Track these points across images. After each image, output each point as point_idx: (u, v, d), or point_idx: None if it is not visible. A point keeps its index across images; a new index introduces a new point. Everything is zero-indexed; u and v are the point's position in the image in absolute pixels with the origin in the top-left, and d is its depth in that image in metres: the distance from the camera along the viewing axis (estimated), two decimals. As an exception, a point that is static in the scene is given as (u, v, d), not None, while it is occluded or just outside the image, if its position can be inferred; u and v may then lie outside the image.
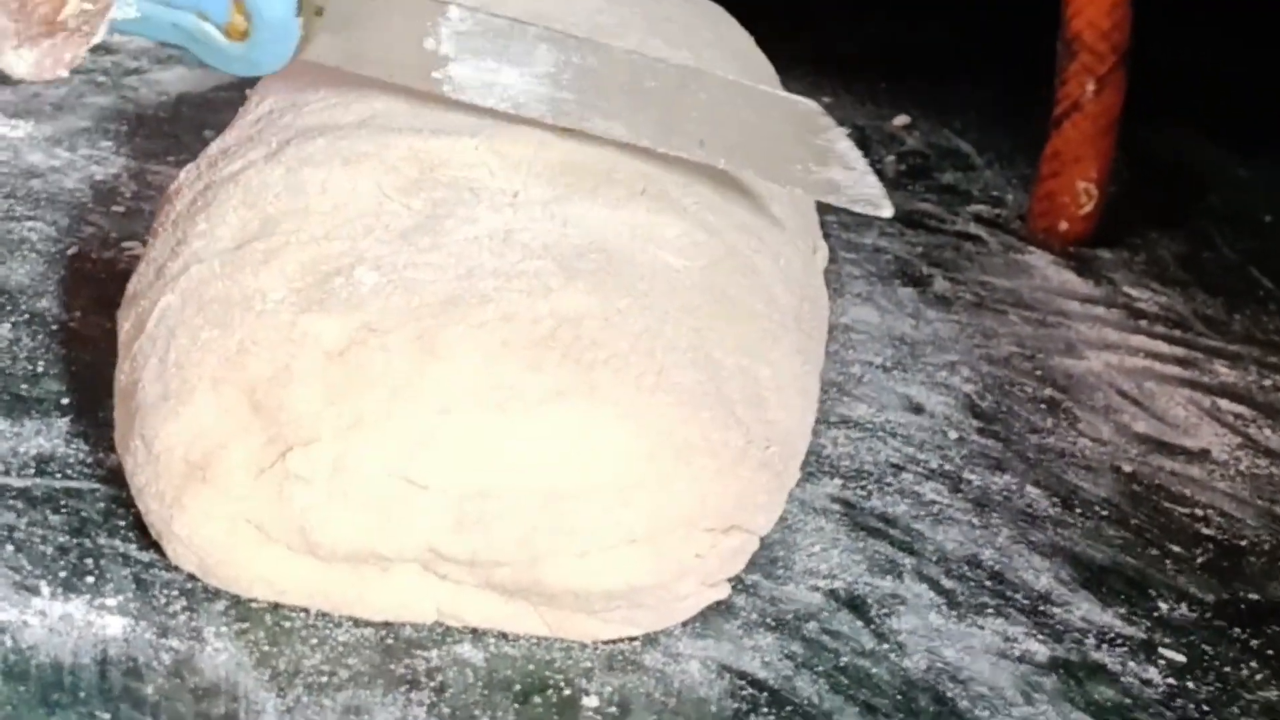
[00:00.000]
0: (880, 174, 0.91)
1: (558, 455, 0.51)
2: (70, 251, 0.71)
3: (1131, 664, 0.56)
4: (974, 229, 0.90)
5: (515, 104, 0.58)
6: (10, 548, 0.53)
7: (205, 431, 0.52)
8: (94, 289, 0.68)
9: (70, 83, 0.86)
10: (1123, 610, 0.59)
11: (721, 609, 0.55)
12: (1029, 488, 0.65)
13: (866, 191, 0.58)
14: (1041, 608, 0.58)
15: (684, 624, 0.54)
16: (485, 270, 0.54)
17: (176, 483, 0.52)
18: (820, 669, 0.53)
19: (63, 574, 0.52)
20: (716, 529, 0.53)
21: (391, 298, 0.53)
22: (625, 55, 0.58)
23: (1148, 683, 0.55)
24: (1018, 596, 0.59)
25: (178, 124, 0.86)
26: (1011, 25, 0.97)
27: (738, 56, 0.75)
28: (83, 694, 0.47)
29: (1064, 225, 0.89)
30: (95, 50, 0.56)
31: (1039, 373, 0.75)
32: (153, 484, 0.52)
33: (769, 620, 0.55)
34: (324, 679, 0.49)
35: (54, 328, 0.65)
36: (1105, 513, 0.65)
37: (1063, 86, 0.87)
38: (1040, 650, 0.56)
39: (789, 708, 0.51)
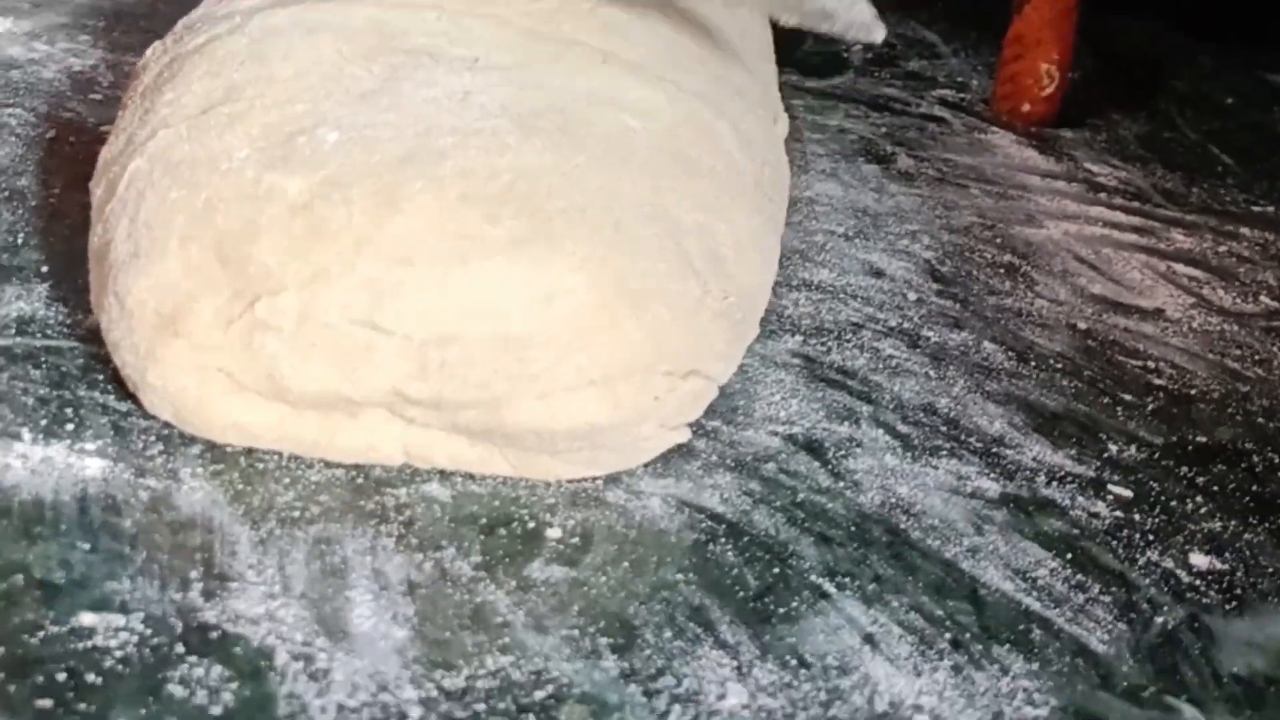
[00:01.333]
0: (846, 62, 0.94)
1: (516, 302, 0.53)
2: (49, 135, 0.73)
3: (1080, 499, 0.58)
4: (938, 111, 0.92)
5: None
6: (-8, 398, 0.55)
7: (175, 286, 0.53)
8: (72, 169, 0.69)
9: (46, -19, 0.87)
10: (1073, 452, 0.61)
11: (682, 451, 0.57)
12: (986, 343, 0.67)
13: (859, 17, 0.59)
14: (994, 450, 0.60)
15: (645, 465, 0.56)
16: (443, 129, 0.56)
17: (149, 336, 0.53)
18: (777, 504, 0.55)
19: (43, 422, 0.54)
20: (674, 374, 0.55)
21: (352, 153, 0.54)
22: None
23: (1095, 515, 0.57)
24: (971, 440, 0.61)
25: (154, 20, 0.87)
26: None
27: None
28: (64, 527, 0.49)
29: (1026, 107, 0.91)
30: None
31: (999, 240, 0.76)
32: (127, 338, 0.54)
33: (728, 461, 0.57)
34: (296, 514, 0.51)
35: (33, 204, 0.67)
36: (1059, 365, 0.66)
37: (1024, -31, 0.89)
38: (991, 487, 0.58)
39: (746, 538, 0.53)
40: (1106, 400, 0.64)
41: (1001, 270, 0.74)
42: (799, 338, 0.65)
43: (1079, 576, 0.54)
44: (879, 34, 0.59)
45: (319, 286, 0.52)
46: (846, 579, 0.52)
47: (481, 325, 0.53)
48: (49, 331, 0.58)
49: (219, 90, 0.58)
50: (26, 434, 0.53)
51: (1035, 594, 0.53)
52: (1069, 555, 0.55)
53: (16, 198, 0.67)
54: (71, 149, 0.72)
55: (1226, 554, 0.56)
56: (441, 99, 0.57)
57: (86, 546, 0.48)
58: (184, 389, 0.53)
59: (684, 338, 0.55)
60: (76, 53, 0.81)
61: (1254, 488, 0.60)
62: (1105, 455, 0.61)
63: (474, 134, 0.56)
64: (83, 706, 0.43)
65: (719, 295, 0.57)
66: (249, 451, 0.54)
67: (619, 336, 0.54)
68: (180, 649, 0.45)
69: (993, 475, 0.59)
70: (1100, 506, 0.58)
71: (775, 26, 0.79)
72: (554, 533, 0.52)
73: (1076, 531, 0.56)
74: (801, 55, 0.95)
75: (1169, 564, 0.55)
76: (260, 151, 0.55)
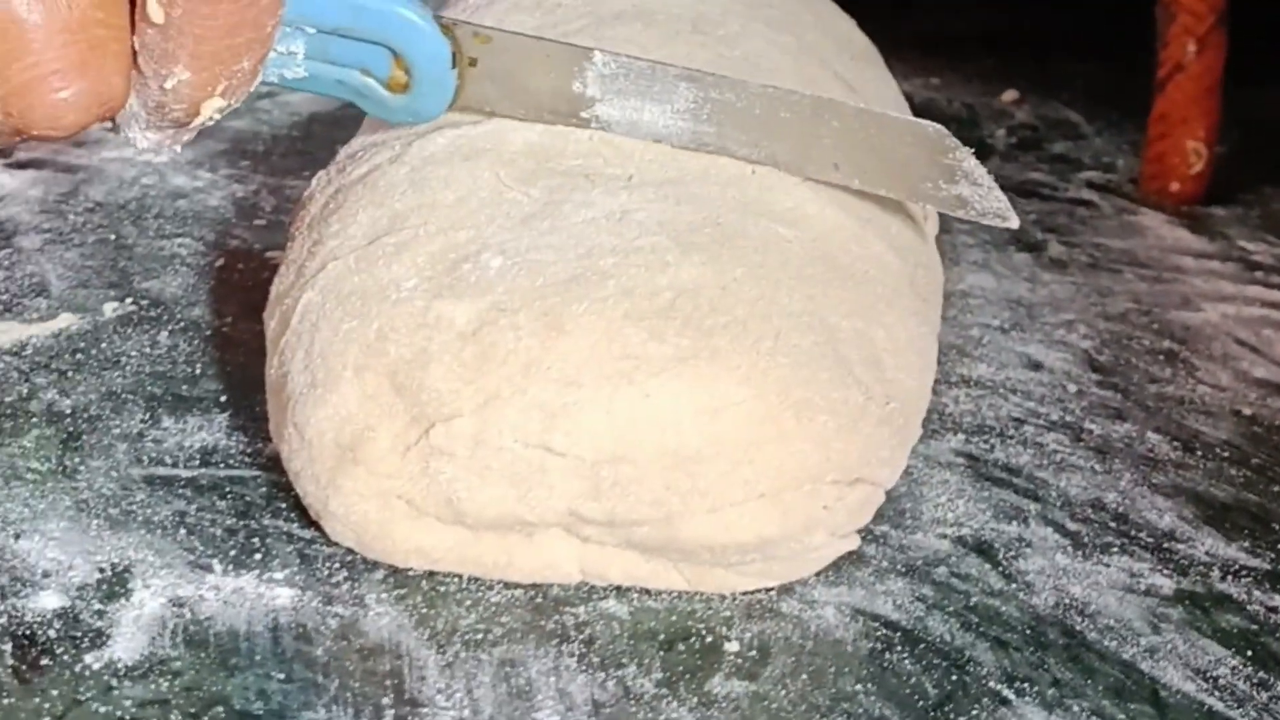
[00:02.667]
0: (991, 147, 0.94)
1: (684, 419, 0.53)
2: (218, 264, 0.75)
3: (1257, 593, 0.57)
4: (1086, 194, 0.92)
5: (659, 138, 0.61)
6: (184, 531, 0.56)
7: (352, 416, 0.55)
8: (242, 296, 0.72)
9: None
10: (1246, 544, 0.60)
11: (853, 559, 0.57)
12: (1150, 434, 0.67)
13: (994, 205, 0.60)
14: (1166, 545, 0.60)
15: (817, 574, 0.57)
16: (604, 249, 0.57)
17: (330, 465, 0.55)
18: (951, 609, 0.55)
19: (233, 552, 0.55)
20: (841, 482, 0.56)
21: (517, 279, 0.56)
22: (760, 89, 0.60)
23: (1273, 609, 0.57)
24: (1142, 535, 0.60)
25: (310, 141, 0.90)
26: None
27: (839, 39, 0.77)
28: (258, 658, 0.51)
29: (1175, 185, 0.91)
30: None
31: (1156, 326, 0.76)
32: (308, 468, 0.56)
33: (899, 567, 0.58)
34: (480, 636, 0.52)
35: (207, 333, 0.69)
36: (1226, 454, 0.66)
37: (1164, 49, 0.89)
38: (1166, 584, 0.58)
39: (922, 645, 0.54)
40: (1277, 489, 0.64)
41: (1161, 357, 0.73)
42: (961, 436, 0.66)
43: (1261, 674, 0.53)
44: (1013, 222, 0.60)
45: (491, 411, 0.54)
46: (1025, 684, 0.52)
47: (651, 443, 0.53)
48: (231, 461, 0.60)
49: (383, 220, 0.60)
50: (217, 565, 0.55)
51: (1217, 694, 0.52)
52: (1249, 652, 0.54)
53: (192, 328, 0.70)
54: (240, 276, 0.74)
55: None
56: (600, 219, 0.58)
57: (281, 676, 0.50)
58: (365, 516, 0.55)
59: (849, 445, 0.56)
60: (238, 179, 0.84)
61: None
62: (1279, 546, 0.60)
63: (634, 252, 0.57)
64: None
65: (881, 400, 0.57)
66: (430, 575, 0.55)
67: (786, 447, 0.54)
68: (377, 778, 0.46)
69: (1166, 571, 0.58)
70: (1278, 600, 0.57)
71: (915, 114, 0.79)
72: (732, 646, 0.53)
73: (1255, 627, 0.56)
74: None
75: (1353, 658, 0.54)
76: (427, 280, 0.56)
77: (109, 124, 0.52)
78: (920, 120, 0.61)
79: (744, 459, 0.54)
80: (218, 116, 0.52)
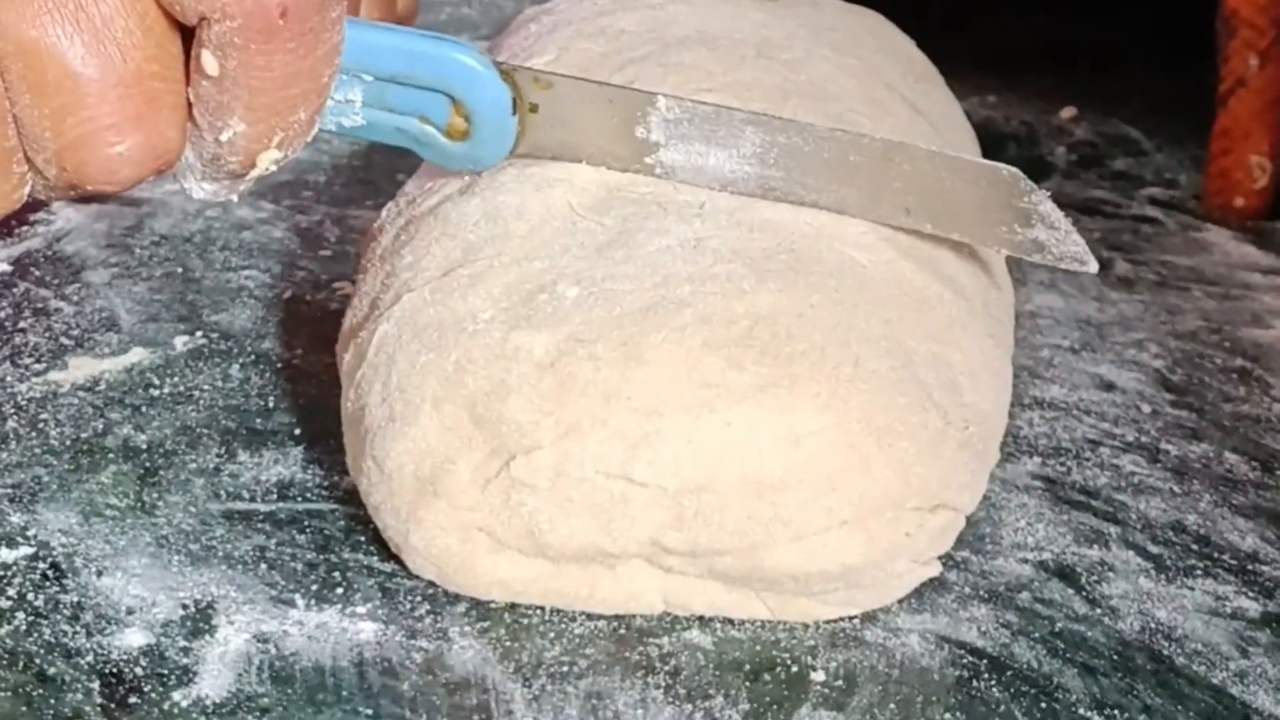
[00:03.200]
0: (1051, 165, 0.94)
1: (765, 447, 0.53)
2: (285, 295, 0.75)
3: (1345, 615, 0.57)
4: (1150, 211, 0.91)
5: (725, 183, 0.60)
6: (264, 566, 0.56)
7: (432, 448, 0.55)
8: (311, 328, 0.72)
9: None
10: (1331, 564, 0.60)
11: (935, 585, 0.57)
12: (1227, 454, 0.67)
13: (1072, 249, 0.59)
14: (1250, 567, 0.59)
15: (900, 601, 0.56)
16: (679, 277, 0.56)
17: (410, 498, 0.55)
18: (1036, 635, 0.55)
19: (315, 587, 0.55)
20: (923, 508, 0.55)
21: (594, 309, 0.55)
22: (829, 133, 0.60)
23: (1363, 631, 0.56)
24: (1225, 557, 0.60)
25: (371, 170, 0.90)
26: (1170, 10, 0.98)
27: (901, 60, 0.77)
28: (345, 693, 0.51)
29: (1240, 201, 0.90)
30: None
31: (1227, 344, 0.76)
32: (387, 501, 0.56)
33: (982, 593, 0.57)
34: (565, 668, 0.52)
35: (278, 365, 0.69)
36: (1306, 473, 0.66)
37: (1226, 64, 0.88)
38: (1252, 607, 0.57)
39: (1009, 673, 0.53)
40: (1359, 507, 0.63)
41: (1234, 375, 0.73)
42: (1038, 459, 0.65)
43: (1353, 697, 0.53)
44: (1092, 266, 0.60)
45: (571, 442, 0.53)
46: (1115, 711, 0.52)
47: (733, 472, 0.53)
48: (309, 495, 0.60)
49: (456, 251, 0.60)
50: (300, 600, 0.55)
51: (1311, 718, 0.52)
52: (1340, 675, 0.54)
53: (263, 360, 0.70)
54: (308, 308, 0.74)
55: None
56: (675, 247, 0.58)
57: (369, 712, 0.50)
58: (447, 549, 0.55)
59: (930, 471, 0.55)
60: (301, 209, 0.84)
61: None
62: (1365, 566, 0.60)
63: (710, 279, 0.57)
64: None
65: (959, 425, 0.57)
66: (513, 607, 0.55)
67: (868, 474, 0.54)
68: (470, 814, 0.46)
69: (1251, 594, 0.58)
70: (1367, 621, 0.57)
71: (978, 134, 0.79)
72: (818, 676, 0.53)
73: (1346, 649, 0.55)
74: (1004, 161, 0.95)
75: None
76: (504, 311, 0.56)
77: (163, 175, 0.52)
78: (994, 164, 0.60)
79: (826, 486, 0.54)
80: (274, 169, 0.52)
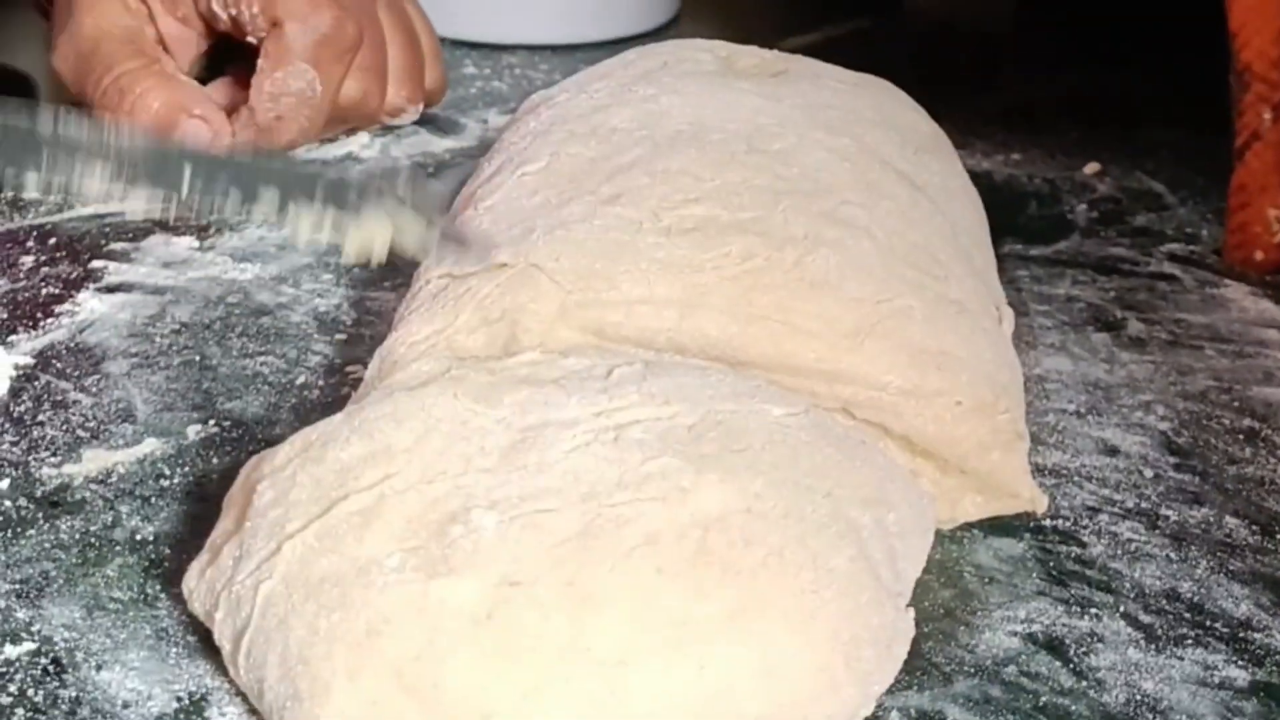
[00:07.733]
0: (1070, 224, 0.94)
1: (739, 684, 0.50)
2: (298, 381, 0.77)
3: (1336, 682, 0.57)
4: (1168, 268, 0.91)
5: None
6: (255, 658, 0.57)
7: None
8: (321, 413, 0.72)
9: (292, 224, 0.92)
10: (1325, 631, 0.59)
11: (920, 661, 0.57)
12: (1228, 518, 0.66)
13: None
14: (1241, 634, 0.59)
15: (885, 679, 0.56)
16: (609, 483, 0.52)
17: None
18: (1020, 710, 0.55)
19: (303, 678, 0.56)
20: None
21: (521, 541, 0.50)
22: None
23: (1352, 699, 0.56)
24: (1217, 625, 0.60)
25: (392, 253, 0.91)
26: (1193, 65, 0.97)
27: (903, 131, 0.77)
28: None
29: (1259, 255, 0.90)
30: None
31: (1236, 404, 0.75)
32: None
33: (967, 667, 0.57)
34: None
35: (286, 453, 0.71)
36: (1306, 537, 0.65)
37: (1240, 118, 0.88)
38: (1240, 676, 0.57)
39: (989, 750, 0.53)
40: (1359, 571, 0.63)
41: (1241, 436, 0.73)
42: (1033, 529, 0.65)
43: (1338, 768, 0.53)
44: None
45: (532, 705, 0.48)
46: (1094, 787, 0.52)
47: (710, 714, 0.50)
48: (306, 583, 0.61)
49: (329, 477, 0.54)
50: (288, 691, 0.56)
51: (1292, 791, 0.52)
52: (1326, 746, 0.54)
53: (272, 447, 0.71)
54: (320, 393, 0.76)
55: None
56: (593, 444, 0.54)
57: (348, 804, 0.51)
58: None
59: (885, 674, 0.54)
60: (321, 293, 0.86)
61: None
62: (1360, 632, 0.59)
63: (644, 482, 0.52)
64: None
65: (901, 605, 0.55)
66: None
67: (835, 694, 0.51)
68: None
69: (1241, 662, 0.58)
70: (1357, 689, 0.56)
71: (995, 192, 0.79)
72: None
73: (1333, 718, 0.55)
74: (1024, 220, 0.96)
75: None
76: (413, 553, 0.51)
77: None
78: None
79: (799, 716, 0.51)
80: None
